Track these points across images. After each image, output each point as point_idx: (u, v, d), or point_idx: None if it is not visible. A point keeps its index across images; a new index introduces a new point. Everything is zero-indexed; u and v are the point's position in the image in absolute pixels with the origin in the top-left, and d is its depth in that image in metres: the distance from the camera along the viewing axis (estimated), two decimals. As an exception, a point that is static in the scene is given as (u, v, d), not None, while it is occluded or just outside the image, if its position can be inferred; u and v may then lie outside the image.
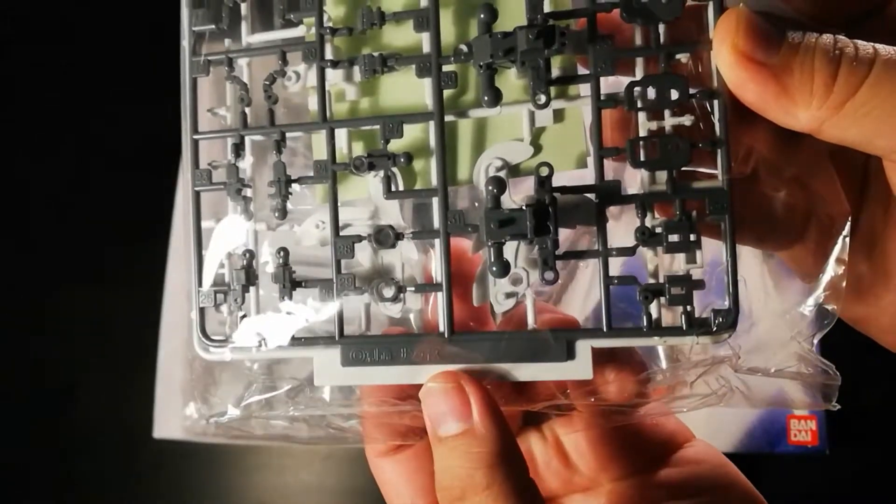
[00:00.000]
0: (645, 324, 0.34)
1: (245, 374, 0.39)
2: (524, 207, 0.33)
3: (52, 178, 0.85)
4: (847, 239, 0.35)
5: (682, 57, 0.34)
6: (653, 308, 0.34)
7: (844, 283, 0.35)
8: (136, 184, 0.81)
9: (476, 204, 0.37)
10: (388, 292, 0.36)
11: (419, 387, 0.36)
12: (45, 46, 0.87)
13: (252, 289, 0.38)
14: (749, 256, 0.38)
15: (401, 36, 0.37)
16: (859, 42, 0.30)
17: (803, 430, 0.68)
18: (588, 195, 0.34)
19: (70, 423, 0.80)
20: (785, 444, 0.68)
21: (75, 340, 0.82)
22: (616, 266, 0.35)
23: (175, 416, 0.74)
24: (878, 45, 0.30)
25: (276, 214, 0.37)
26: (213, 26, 0.38)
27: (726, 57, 0.31)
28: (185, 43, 0.39)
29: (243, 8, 0.38)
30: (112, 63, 0.85)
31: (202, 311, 0.38)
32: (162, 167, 0.79)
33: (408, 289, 0.36)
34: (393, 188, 0.37)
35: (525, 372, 0.35)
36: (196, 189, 0.38)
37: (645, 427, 0.42)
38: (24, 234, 0.85)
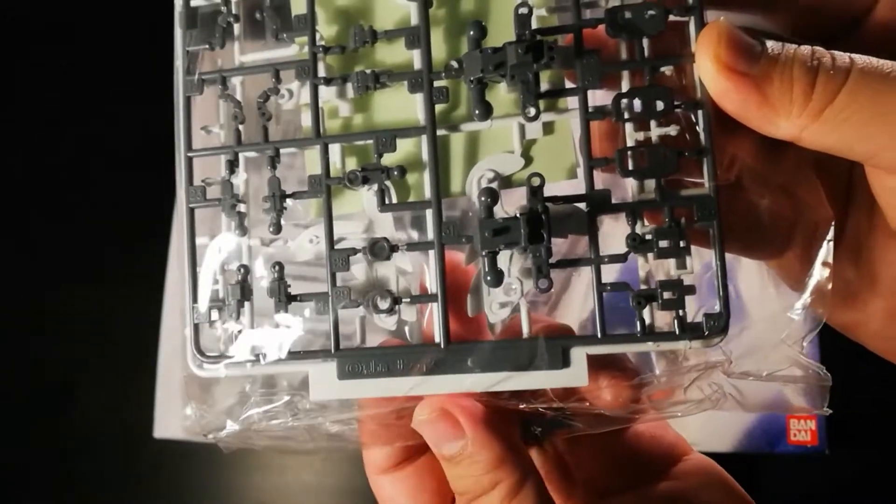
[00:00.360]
0: (638, 329, 0.34)
1: (241, 381, 0.39)
2: (517, 216, 0.34)
3: (52, 178, 0.85)
4: (831, 243, 0.35)
5: (667, 69, 0.35)
6: (646, 314, 0.34)
7: (830, 286, 0.35)
8: (136, 184, 0.82)
9: (470, 214, 0.37)
10: (384, 304, 0.36)
11: (417, 397, 0.36)
12: (45, 46, 0.87)
13: (247, 304, 0.38)
14: (742, 260, 0.38)
15: (392, 53, 0.38)
16: (836, 52, 0.31)
17: (803, 430, 0.68)
18: (579, 204, 0.35)
19: (70, 423, 0.80)
20: (784, 444, 0.69)
21: (75, 340, 0.82)
22: (614, 270, 0.35)
23: (175, 416, 0.74)
24: (854, 55, 0.31)
25: (271, 229, 0.37)
26: (207, 46, 0.38)
27: (709, 68, 0.32)
28: (179, 63, 0.39)
29: (236, 28, 0.39)
30: (112, 63, 0.85)
31: (196, 327, 0.38)
32: (162, 167, 0.77)
33: (403, 300, 0.36)
34: (387, 201, 0.37)
35: (521, 381, 0.35)
36: (190, 206, 0.38)
37: (644, 440, 0.43)
38: (24, 234, 0.85)
